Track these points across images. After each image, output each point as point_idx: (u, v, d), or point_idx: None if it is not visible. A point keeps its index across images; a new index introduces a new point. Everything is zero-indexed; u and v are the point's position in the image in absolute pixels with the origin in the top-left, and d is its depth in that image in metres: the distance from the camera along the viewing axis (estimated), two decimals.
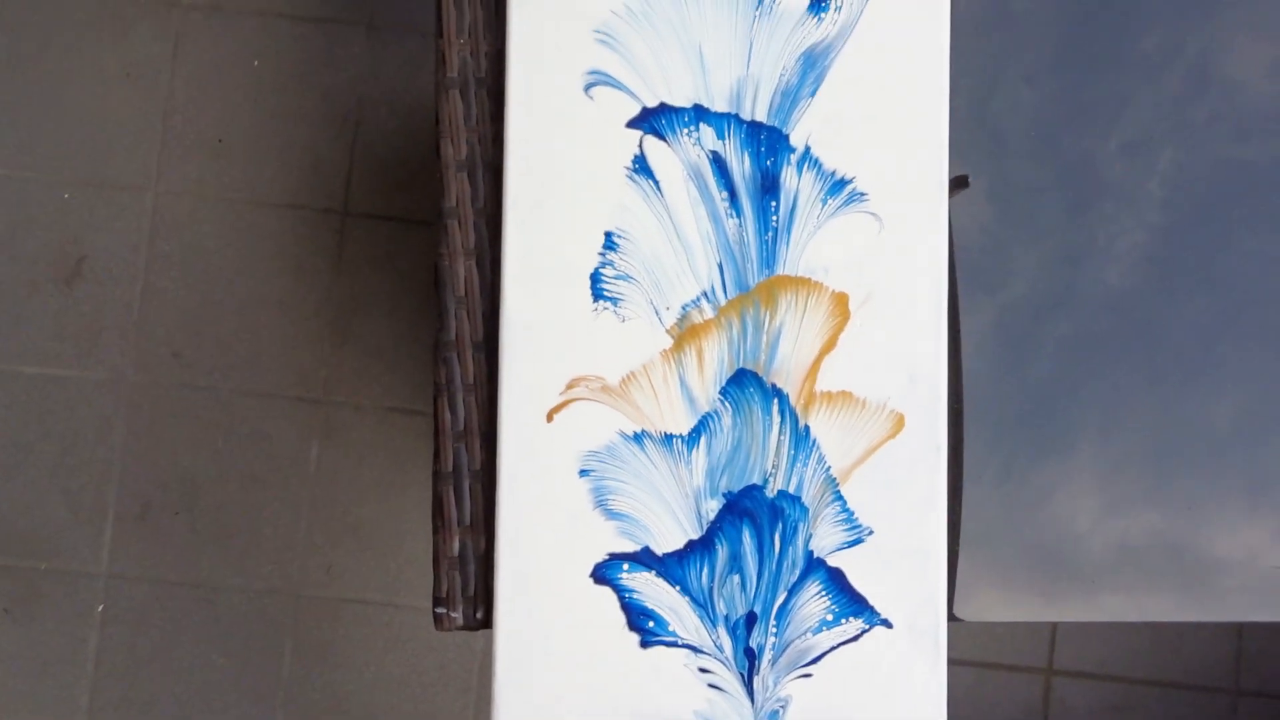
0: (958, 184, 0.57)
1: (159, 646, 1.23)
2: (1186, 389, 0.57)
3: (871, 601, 0.52)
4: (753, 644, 0.52)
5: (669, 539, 0.52)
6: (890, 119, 0.53)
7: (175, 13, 1.24)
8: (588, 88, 0.53)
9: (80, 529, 1.23)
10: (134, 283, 1.23)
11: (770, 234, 0.53)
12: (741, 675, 0.52)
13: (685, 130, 0.53)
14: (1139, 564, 0.57)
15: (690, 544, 0.52)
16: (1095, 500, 0.57)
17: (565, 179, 0.53)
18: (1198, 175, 0.57)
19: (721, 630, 0.52)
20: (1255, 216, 0.57)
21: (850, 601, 0.52)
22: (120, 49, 1.24)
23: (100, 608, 1.23)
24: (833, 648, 0.52)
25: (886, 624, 0.52)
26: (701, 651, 0.52)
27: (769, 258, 0.53)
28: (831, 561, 0.53)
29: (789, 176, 0.53)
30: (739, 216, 0.53)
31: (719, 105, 0.53)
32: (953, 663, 1.25)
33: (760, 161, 0.53)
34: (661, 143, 0.53)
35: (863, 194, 0.53)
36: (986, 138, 0.57)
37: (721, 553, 0.52)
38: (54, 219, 1.23)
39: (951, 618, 0.55)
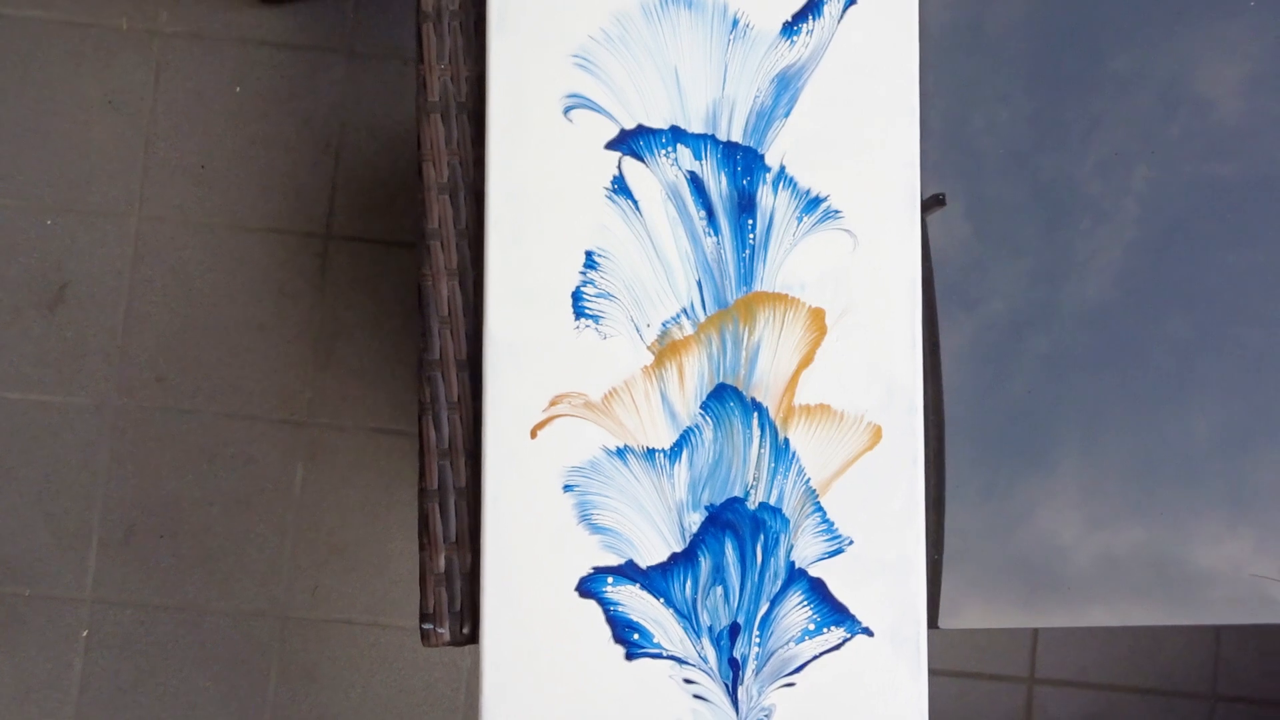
0: (934, 202, 0.57)
1: (144, 671, 1.23)
2: (1166, 403, 0.57)
3: (853, 610, 0.53)
4: (736, 654, 0.53)
5: (653, 552, 0.53)
6: (862, 138, 0.54)
7: (157, 41, 1.24)
8: (567, 110, 0.53)
9: (64, 554, 1.22)
10: (117, 308, 1.23)
11: (748, 251, 0.53)
12: (726, 685, 0.52)
13: (663, 151, 0.53)
14: (1123, 577, 0.57)
15: (674, 557, 0.53)
16: (1078, 514, 0.57)
17: (546, 200, 0.53)
18: (1172, 192, 0.58)
19: (705, 641, 0.53)
20: (1229, 232, 0.58)
21: (831, 611, 0.53)
22: (102, 77, 1.24)
23: (84, 633, 1.23)
24: (815, 657, 0.53)
25: (868, 632, 0.53)
26: (686, 663, 0.52)
27: (747, 274, 0.53)
28: (813, 572, 0.53)
29: (765, 195, 0.53)
30: (717, 235, 0.53)
31: (695, 126, 0.53)
32: (937, 673, 1.26)
33: (737, 181, 0.53)
34: (640, 163, 0.53)
35: (837, 211, 0.53)
36: (963, 156, 0.57)
37: (704, 565, 0.53)
38: (37, 245, 1.23)
39: (936, 627, 0.56)
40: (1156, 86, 0.58)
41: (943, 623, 0.56)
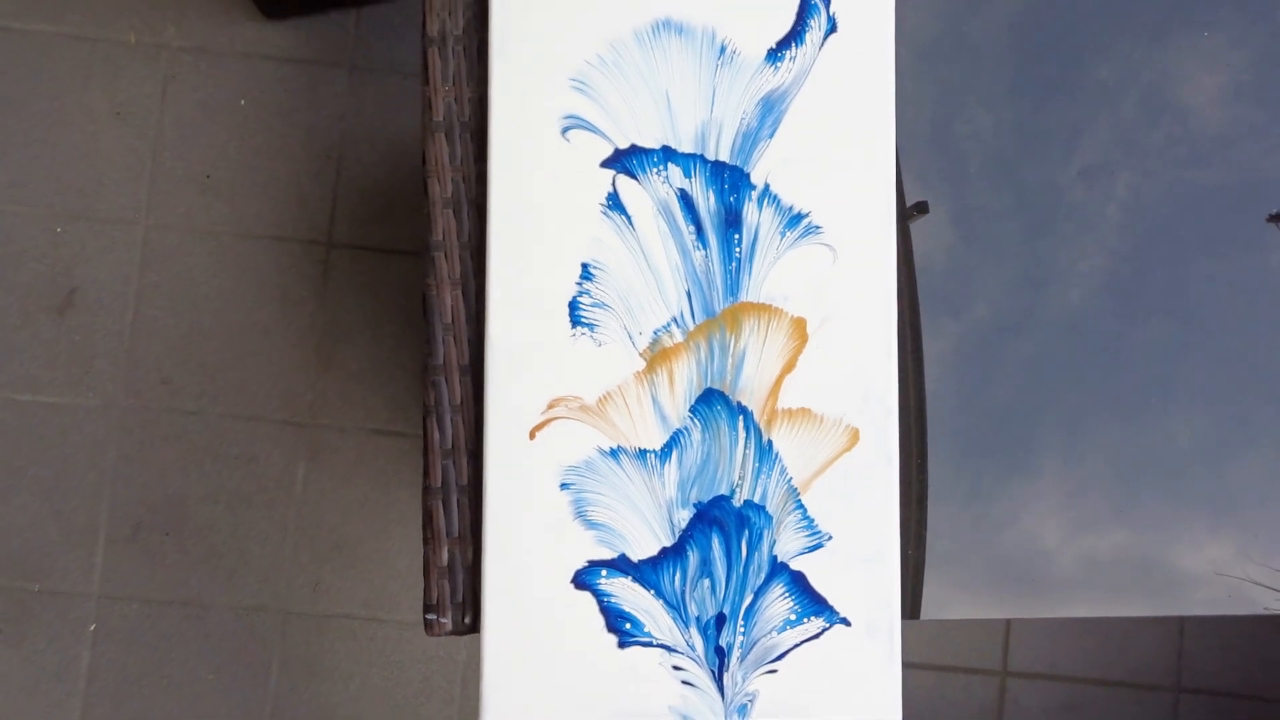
0: (918, 209, 0.57)
1: (149, 664, 1.22)
2: (1148, 408, 0.57)
3: (831, 602, 0.54)
4: (722, 643, 0.53)
5: (644, 546, 0.54)
6: (842, 158, 0.54)
7: (164, 55, 1.24)
8: (564, 131, 0.54)
9: (72, 550, 1.22)
10: (124, 312, 1.23)
11: (734, 264, 0.54)
12: (712, 672, 0.53)
13: (655, 170, 0.54)
14: (1104, 577, 0.57)
15: (664, 551, 0.54)
16: (1060, 516, 0.57)
17: (544, 215, 0.54)
18: (1154, 199, 0.58)
19: (693, 630, 0.53)
20: (1210, 238, 0.58)
21: (812, 602, 0.54)
22: (111, 90, 1.24)
23: (92, 626, 1.22)
24: (796, 645, 0.54)
25: (845, 622, 0.54)
26: (675, 651, 0.53)
27: (733, 286, 0.54)
28: (794, 565, 0.54)
29: (750, 211, 0.54)
30: (705, 248, 0.54)
31: (685, 146, 0.54)
32: (913, 666, 1.26)
33: (724, 198, 0.54)
34: (633, 181, 0.54)
35: (818, 227, 0.54)
36: (948, 163, 0.57)
37: (693, 558, 0.54)
38: (47, 252, 1.23)
39: (918, 618, 0.57)
40: (1138, 95, 0.58)
41: (925, 614, 0.57)
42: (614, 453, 0.54)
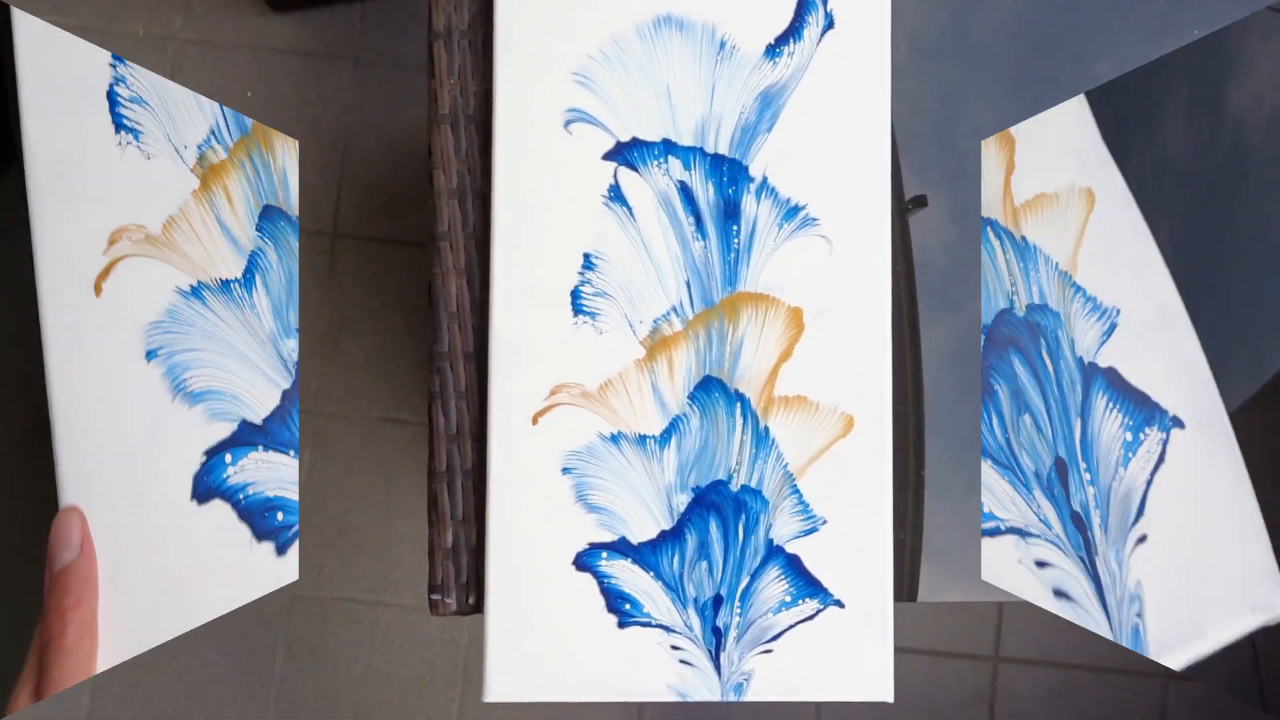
0: (917, 203, 0.58)
1: (157, 647, 1.21)
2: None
3: (826, 584, 0.54)
4: (719, 623, 0.54)
5: (643, 529, 0.54)
6: (839, 152, 0.55)
7: (172, 46, 1.24)
8: (567, 124, 0.55)
9: None
10: None
11: (732, 255, 0.55)
12: (709, 652, 0.54)
13: (655, 162, 0.55)
14: None
15: (662, 534, 0.54)
16: None
17: (547, 206, 0.55)
18: None
19: (691, 611, 0.54)
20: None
21: (807, 584, 0.54)
22: None
23: None
24: (791, 626, 0.54)
25: (839, 604, 0.54)
26: (673, 631, 0.54)
27: (731, 276, 0.55)
28: (789, 548, 0.54)
29: (749, 204, 0.55)
30: (704, 239, 0.55)
31: (685, 140, 0.55)
32: (907, 651, 1.26)
33: (723, 190, 0.55)
34: (634, 173, 0.55)
35: (815, 219, 0.55)
36: (948, 159, 0.58)
37: (691, 541, 0.54)
38: None
39: (912, 599, 0.57)
40: None
41: (921, 597, 0.57)
42: (614, 438, 0.55)
